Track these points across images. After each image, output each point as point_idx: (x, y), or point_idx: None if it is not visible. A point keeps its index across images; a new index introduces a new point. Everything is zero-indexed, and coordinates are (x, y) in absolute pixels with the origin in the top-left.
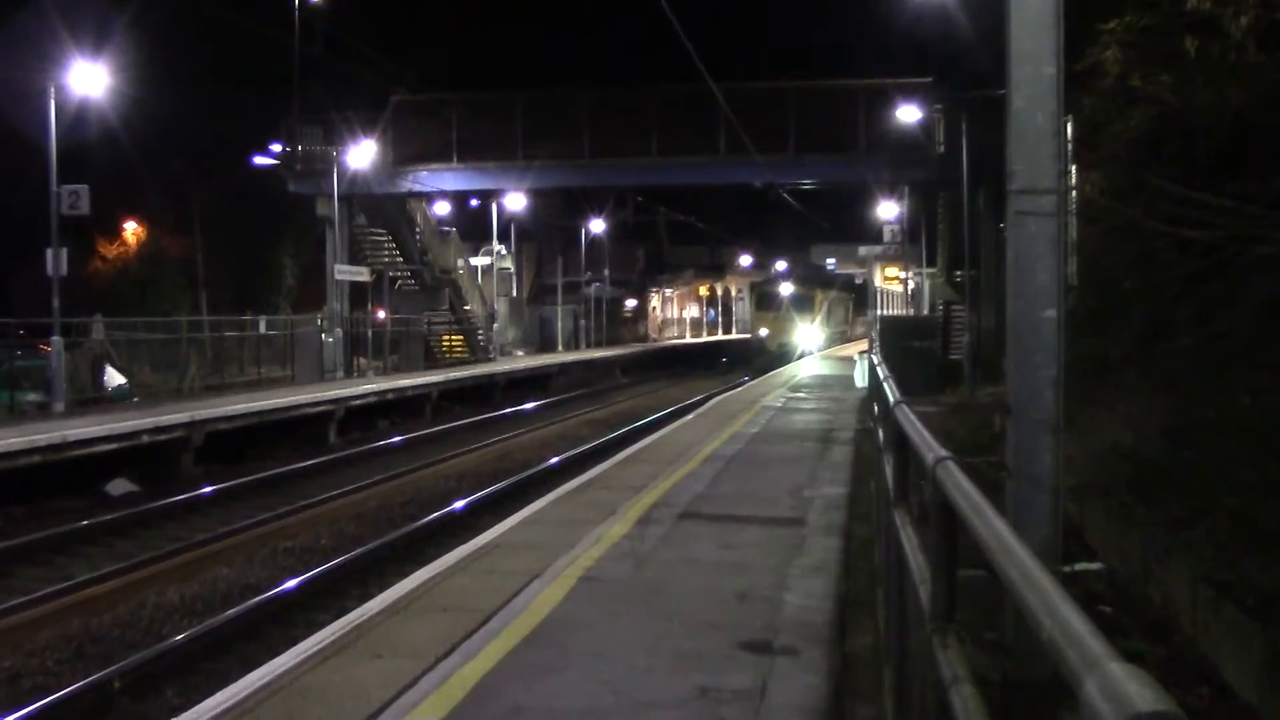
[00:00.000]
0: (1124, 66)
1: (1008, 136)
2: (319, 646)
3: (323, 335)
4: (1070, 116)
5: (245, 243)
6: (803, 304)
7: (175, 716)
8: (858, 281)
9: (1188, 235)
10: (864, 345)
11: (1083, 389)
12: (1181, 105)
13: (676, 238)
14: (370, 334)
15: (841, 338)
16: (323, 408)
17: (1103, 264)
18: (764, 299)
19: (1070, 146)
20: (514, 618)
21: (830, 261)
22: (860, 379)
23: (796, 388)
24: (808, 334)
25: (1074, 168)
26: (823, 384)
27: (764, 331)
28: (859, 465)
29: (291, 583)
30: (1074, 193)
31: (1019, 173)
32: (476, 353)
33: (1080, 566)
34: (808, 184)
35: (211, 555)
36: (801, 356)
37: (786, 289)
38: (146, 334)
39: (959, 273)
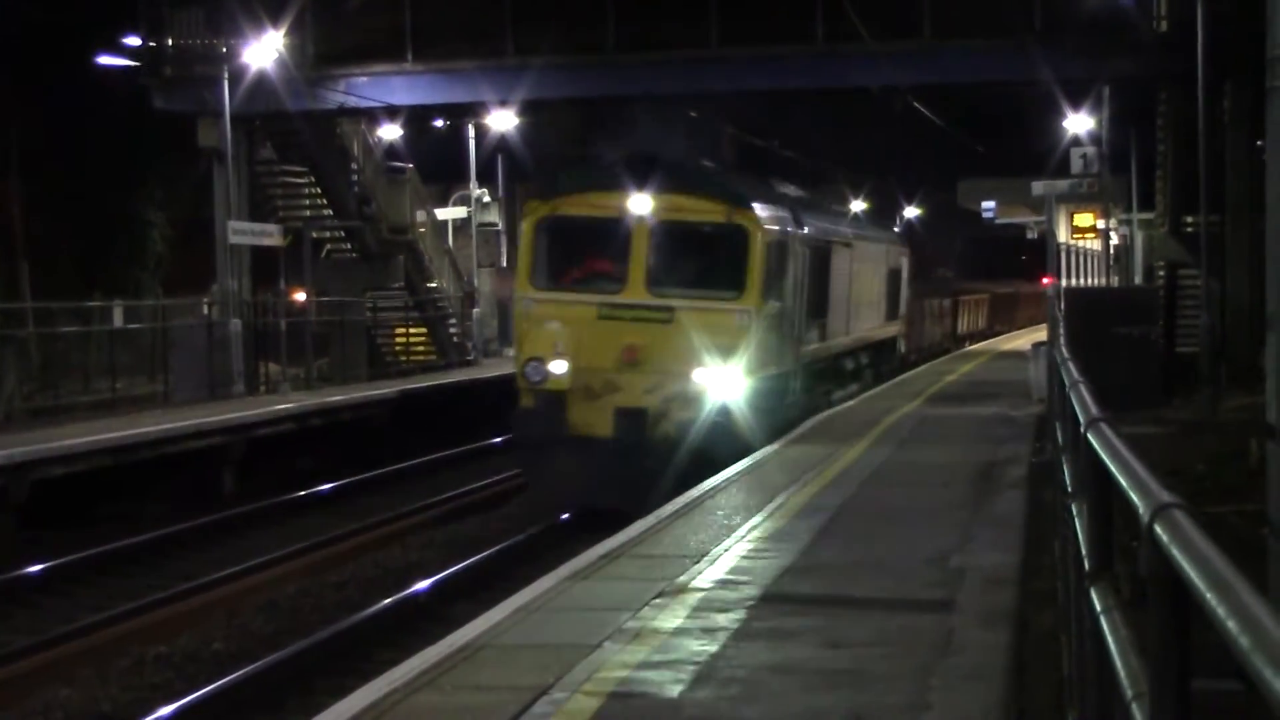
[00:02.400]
0: None
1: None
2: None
3: (211, 330)
4: None
5: (89, 190)
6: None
7: None
8: (1030, 235)
9: None
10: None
11: None
12: None
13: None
14: (285, 327)
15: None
16: (213, 440)
17: None
18: (552, 229)
19: None
20: None
21: (987, 206)
22: (1037, 385)
23: (938, 399)
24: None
25: None
26: (980, 392)
27: (537, 368)
28: (1036, 519)
29: (165, 711)
30: None
31: None
32: (448, 353)
33: None
34: (953, 87)
35: (42, 670)
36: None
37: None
38: None
39: (1190, 219)
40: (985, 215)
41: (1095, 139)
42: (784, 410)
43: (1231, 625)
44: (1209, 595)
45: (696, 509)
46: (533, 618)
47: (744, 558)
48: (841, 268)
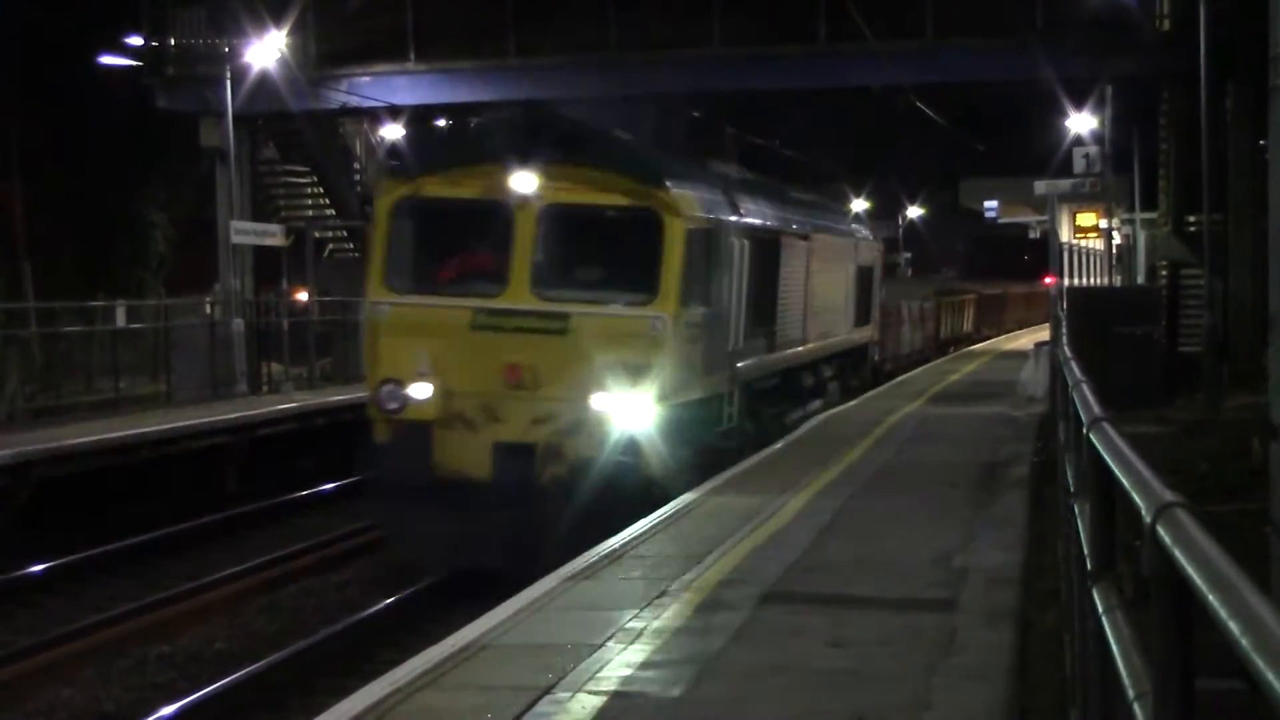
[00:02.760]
0: None
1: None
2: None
3: (213, 329)
4: None
5: (91, 190)
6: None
7: None
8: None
9: None
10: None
11: None
12: None
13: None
14: (287, 326)
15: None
16: (217, 440)
17: None
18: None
19: None
20: None
21: (990, 205)
22: (1032, 384)
23: (940, 398)
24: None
25: None
26: (982, 391)
27: (394, 392)
28: (1038, 519)
29: (167, 711)
30: None
31: None
32: None
33: None
34: (955, 86)
35: (44, 670)
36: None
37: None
38: None
39: (1193, 219)
40: (988, 215)
41: (1098, 138)
42: (716, 441)
43: (1234, 625)
44: (1211, 595)
45: (684, 517)
46: (537, 618)
47: (744, 557)
48: (796, 265)
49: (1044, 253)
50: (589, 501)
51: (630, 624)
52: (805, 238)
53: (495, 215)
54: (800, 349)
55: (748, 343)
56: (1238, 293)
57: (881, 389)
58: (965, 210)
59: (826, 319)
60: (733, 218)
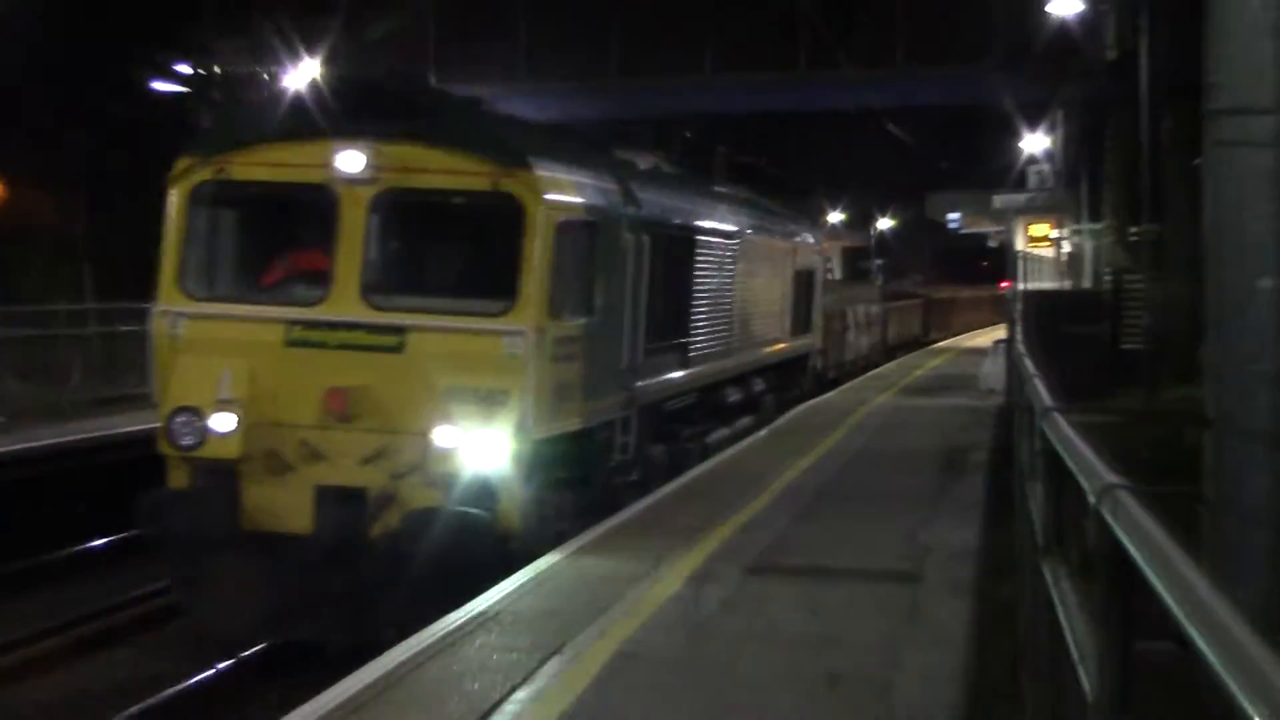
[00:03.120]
0: None
1: (1207, 34)
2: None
3: None
4: None
5: (146, 201)
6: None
7: None
8: (991, 244)
9: None
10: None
11: None
12: None
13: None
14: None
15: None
16: None
17: None
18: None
19: None
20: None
21: (953, 216)
22: (992, 378)
23: (911, 390)
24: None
25: None
26: (946, 385)
27: (189, 423)
28: (996, 500)
29: None
30: None
31: (1223, 86)
32: None
33: None
34: (921, 109)
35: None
36: None
37: None
38: (4, 329)
39: (1135, 229)
40: (951, 226)
41: (1050, 156)
42: (607, 478)
43: (1169, 593)
44: (1149, 567)
45: (682, 498)
46: (544, 589)
47: (732, 535)
48: (719, 268)
49: (1002, 260)
50: (432, 560)
51: None
52: (731, 238)
53: (317, 203)
54: (725, 362)
55: (653, 358)
56: (1174, 296)
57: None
58: (931, 221)
59: (759, 327)
60: (629, 210)
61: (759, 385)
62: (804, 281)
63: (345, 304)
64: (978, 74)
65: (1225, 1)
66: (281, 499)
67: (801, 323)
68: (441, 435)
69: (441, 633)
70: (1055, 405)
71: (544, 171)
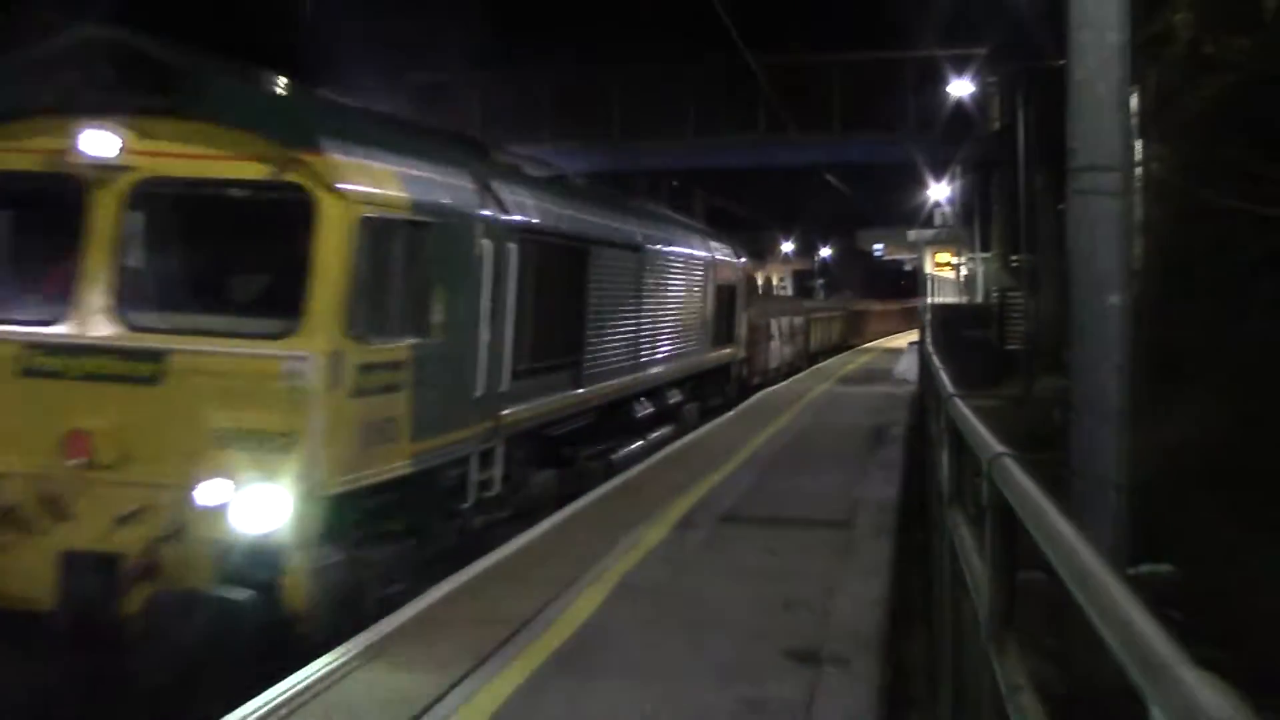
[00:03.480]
0: (1196, 31)
1: (1068, 110)
2: (350, 654)
3: None
4: (1136, 88)
5: None
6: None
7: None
8: (907, 268)
9: (1266, 212)
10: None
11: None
12: (1260, 72)
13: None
14: None
15: None
16: None
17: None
18: None
19: (1135, 120)
20: (549, 626)
21: (877, 247)
22: (907, 371)
23: (846, 380)
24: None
25: (1139, 143)
26: (872, 377)
27: None
28: (911, 464)
29: None
30: (1140, 170)
31: (1080, 149)
32: None
33: (1147, 568)
34: (853, 164)
35: None
36: None
37: None
38: None
39: (1016, 258)
40: (876, 254)
41: (951, 201)
42: (456, 524)
43: (1043, 534)
44: (1026, 516)
45: (669, 463)
46: (561, 535)
47: (708, 492)
48: (618, 281)
49: (915, 280)
50: (202, 639)
51: None
52: (637, 250)
53: (60, 196)
54: (633, 377)
55: (531, 379)
56: (1045, 309)
57: (810, 369)
58: (861, 250)
59: (675, 340)
60: (488, 212)
61: (677, 396)
62: (725, 296)
63: (90, 322)
64: (896, 139)
65: (1080, 87)
66: (18, 565)
67: (723, 334)
68: (207, 490)
69: None
70: (956, 392)
71: (341, 156)
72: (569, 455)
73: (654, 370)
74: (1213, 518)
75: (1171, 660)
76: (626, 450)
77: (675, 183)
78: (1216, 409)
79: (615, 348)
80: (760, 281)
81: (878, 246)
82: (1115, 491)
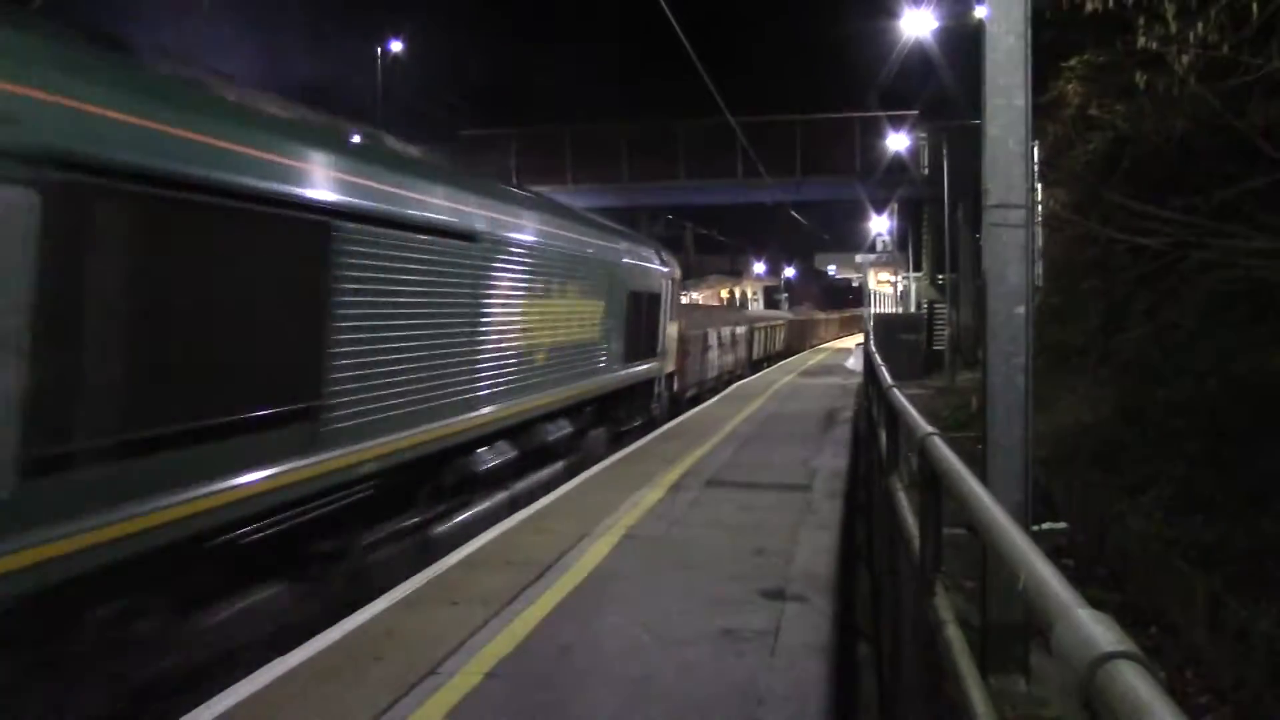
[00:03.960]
0: (1084, 98)
1: (983, 160)
2: (404, 595)
3: None
4: (1037, 142)
5: None
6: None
7: (281, 657)
8: (855, 284)
9: (1139, 242)
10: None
11: (1049, 374)
12: (1133, 131)
13: (701, 248)
14: None
15: None
16: None
17: (1065, 267)
18: None
19: (1037, 168)
20: (567, 570)
21: (831, 267)
22: (856, 365)
23: (806, 373)
24: None
25: (1040, 186)
26: (826, 370)
27: None
28: (857, 440)
29: None
30: (1040, 207)
31: (993, 190)
32: None
33: (1047, 526)
34: (811, 202)
35: None
36: None
37: None
38: None
39: (941, 276)
40: (830, 273)
41: (890, 231)
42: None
43: (964, 498)
44: (952, 482)
45: (666, 438)
46: (576, 497)
47: (697, 461)
48: (417, 279)
49: (861, 294)
50: None
51: None
52: (469, 238)
53: None
54: (495, 408)
55: (129, 459)
56: (964, 317)
57: (773, 365)
58: (818, 270)
59: (556, 360)
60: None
61: (566, 428)
62: (643, 305)
63: None
64: (847, 182)
65: (993, 141)
66: None
67: (646, 349)
68: None
69: None
70: (893, 383)
71: None
72: (304, 556)
73: (544, 396)
74: (1098, 486)
75: (1069, 601)
76: (497, 497)
77: (669, 216)
78: (1101, 399)
79: (419, 377)
80: (738, 295)
81: (831, 267)
82: (1021, 464)
